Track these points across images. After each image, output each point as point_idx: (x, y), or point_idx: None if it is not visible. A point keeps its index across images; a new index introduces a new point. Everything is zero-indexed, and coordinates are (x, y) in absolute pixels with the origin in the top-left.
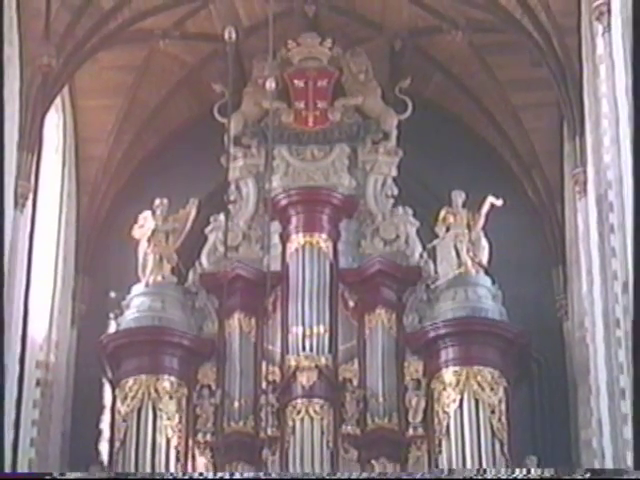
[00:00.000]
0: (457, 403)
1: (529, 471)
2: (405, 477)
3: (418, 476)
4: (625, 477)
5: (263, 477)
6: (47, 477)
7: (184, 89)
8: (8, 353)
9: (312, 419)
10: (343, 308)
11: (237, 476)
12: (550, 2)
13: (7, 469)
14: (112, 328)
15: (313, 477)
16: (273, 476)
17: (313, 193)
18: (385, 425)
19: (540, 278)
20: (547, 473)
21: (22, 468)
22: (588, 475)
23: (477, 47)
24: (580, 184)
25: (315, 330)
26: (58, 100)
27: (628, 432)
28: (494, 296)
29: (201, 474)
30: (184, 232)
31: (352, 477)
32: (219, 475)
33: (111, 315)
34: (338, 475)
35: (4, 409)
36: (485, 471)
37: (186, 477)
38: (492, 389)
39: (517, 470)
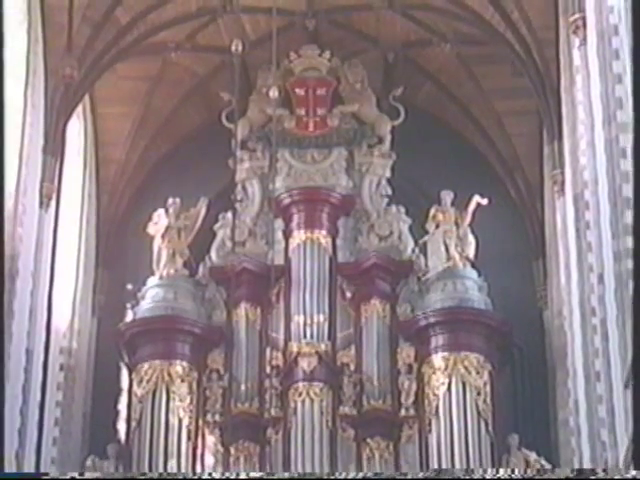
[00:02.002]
0: (446, 386)
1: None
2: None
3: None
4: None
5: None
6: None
7: (195, 97)
8: (34, 340)
9: (312, 401)
10: (341, 299)
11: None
12: (531, 17)
13: (33, 446)
14: (129, 317)
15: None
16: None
17: (313, 193)
18: (380, 406)
19: (522, 271)
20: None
21: (47, 446)
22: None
23: (464, 58)
24: (558, 184)
25: (315, 319)
26: (79, 108)
27: (602, 411)
28: (480, 287)
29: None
30: (195, 229)
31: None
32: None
33: (128, 305)
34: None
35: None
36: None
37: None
38: (478, 373)
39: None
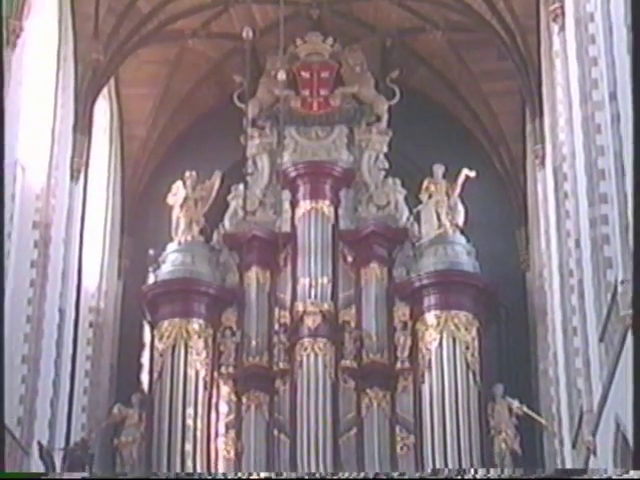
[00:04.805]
0: (437, 341)
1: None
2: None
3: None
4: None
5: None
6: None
7: (209, 80)
8: (66, 300)
9: (317, 355)
10: (343, 263)
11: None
12: (514, 6)
13: (65, 396)
14: (151, 279)
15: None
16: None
17: (317, 166)
18: (378, 360)
19: (506, 237)
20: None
21: (78, 395)
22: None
23: (454, 44)
24: (539, 158)
25: (319, 281)
26: (105, 90)
27: (579, 362)
28: (468, 252)
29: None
30: (210, 199)
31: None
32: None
33: (150, 269)
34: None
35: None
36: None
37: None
38: (466, 329)
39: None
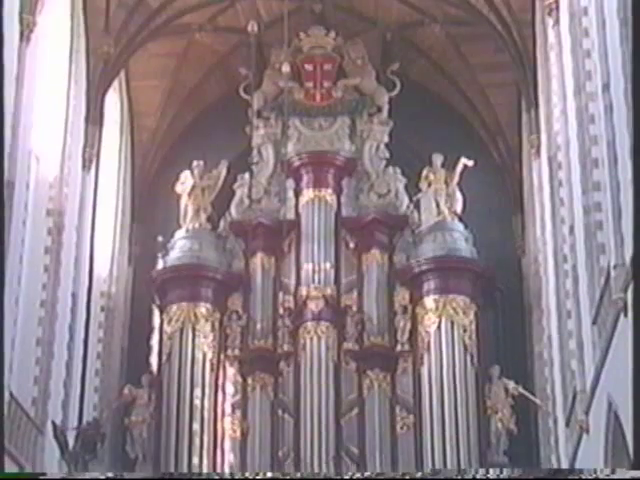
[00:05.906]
0: (436, 324)
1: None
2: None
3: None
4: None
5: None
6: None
7: (216, 72)
8: (79, 285)
9: (320, 338)
10: (345, 249)
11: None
12: (511, 1)
13: (78, 377)
14: (160, 265)
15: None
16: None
17: (320, 156)
18: (378, 342)
19: (503, 223)
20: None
21: (90, 376)
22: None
23: (452, 37)
24: (535, 147)
25: (322, 266)
26: (116, 82)
27: (573, 345)
28: (466, 239)
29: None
30: (216, 188)
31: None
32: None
33: (159, 255)
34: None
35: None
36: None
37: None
38: (464, 313)
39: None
